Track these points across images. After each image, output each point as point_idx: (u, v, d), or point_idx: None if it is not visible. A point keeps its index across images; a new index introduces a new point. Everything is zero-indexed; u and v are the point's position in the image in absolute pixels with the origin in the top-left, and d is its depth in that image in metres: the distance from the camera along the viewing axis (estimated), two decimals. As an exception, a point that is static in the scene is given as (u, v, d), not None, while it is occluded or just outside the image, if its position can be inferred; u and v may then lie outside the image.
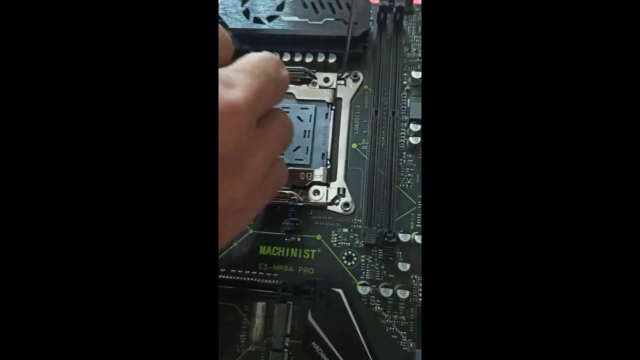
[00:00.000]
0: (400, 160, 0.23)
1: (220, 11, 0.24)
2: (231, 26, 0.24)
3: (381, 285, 0.21)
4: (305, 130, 0.23)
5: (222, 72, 0.14)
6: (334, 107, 0.24)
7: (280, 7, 0.24)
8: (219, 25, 0.15)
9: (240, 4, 0.24)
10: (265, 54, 0.17)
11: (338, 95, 0.24)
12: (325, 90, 0.24)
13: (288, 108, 0.24)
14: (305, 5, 0.24)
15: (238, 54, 0.25)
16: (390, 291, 0.21)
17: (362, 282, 0.21)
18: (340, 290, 0.20)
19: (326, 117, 0.24)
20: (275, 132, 0.17)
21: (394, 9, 0.25)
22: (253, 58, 0.16)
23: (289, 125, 0.19)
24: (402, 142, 0.23)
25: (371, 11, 0.25)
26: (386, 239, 0.21)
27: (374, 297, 0.21)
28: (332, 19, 0.24)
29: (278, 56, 0.17)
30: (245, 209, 0.17)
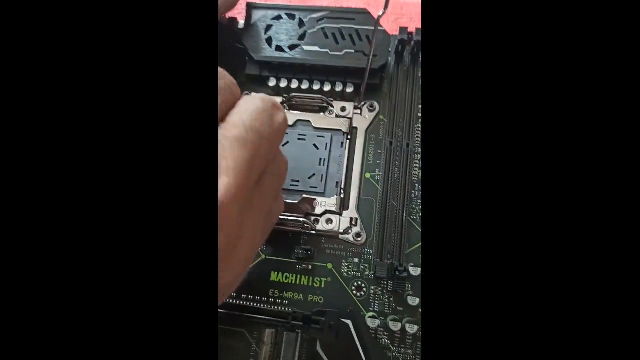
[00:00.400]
0: (413, 192, 0.23)
1: (244, 39, 0.25)
2: (253, 53, 0.25)
3: (390, 318, 0.21)
4: (320, 159, 0.24)
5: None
6: (349, 137, 0.24)
7: (302, 37, 0.25)
8: (224, 72, 0.15)
9: (263, 32, 0.25)
10: (258, 104, 0.15)
11: (354, 125, 0.25)
12: (341, 120, 0.25)
13: (305, 136, 0.24)
14: (326, 36, 0.25)
15: (258, 80, 0.26)
16: (399, 325, 0.21)
17: (371, 314, 0.21)
18: (349, 322, 0.21)
19: (341, 146, 0.24)
20: (271, 185, 0.17)
21: (412, 43, 0.25)
22: (246, 115, 0.15)
23: (284, 166, 0.18)
24: (415, 174, 0.24)
25: (390, 44, 0.25)
26: (397, 272, 0.21)
27: (382, 329, 0.21)
28: (352, 51, 0.24)
29: (273, 100, 0.16)
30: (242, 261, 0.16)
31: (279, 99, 0.25)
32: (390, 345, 0.21)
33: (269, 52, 0.25)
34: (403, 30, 0.25)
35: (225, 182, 0.13)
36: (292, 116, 0.25)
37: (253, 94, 0.17)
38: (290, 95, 0.25)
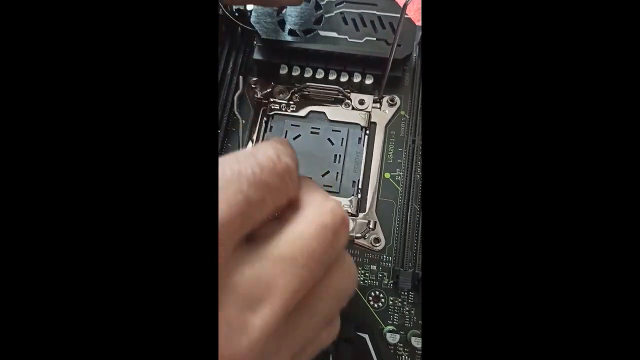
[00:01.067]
0: (436, 195, 0.21)
1: (252, 19, 0.23)
2: (264, 36, 0.23)
3: (411, 333, 0.19)
4: (336, 155, 0.22)
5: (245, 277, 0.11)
6: (367, 132, 0.22)
7: (318, 21, 0.23)
8: (284, 147, 0.13)
9: (275, 13, 0.23)
10: (326, 220, 0.12)
11: (372, 120, 0.23)
12: (359, 113, 0.23)
13: (318, 129, 0.22)
14: (345, 21, 0.23)
15: (267, 66, 0.24)
16: (422, 341, 0.19)
17: (390, 327, 0.19)
18: (366, 336, 0.19)
19: (359, 142, 0.22)
20: (323, 309, 0.13)
21: (437, 33, 0.23)
22: (308, 235, 0.12)
23: (349, 279, 0.14)
24: (439, 176, 0.22)
25: (415, 34, 0.23)
26: (419, 282, 0.19)
27: (402, 345, 0.19)
28: (373, 39, 0.22)
29: (343, 216, 0.13)
30: None
31: (290, 88, 0.23)
32: (409, 364, 0.19)
33: (281, 36, 0.23)
34: (429, 19, 0.23)
35: (264, 315, 0.11)
36: (305, 107, 0.23)
37: (321, 195, 0.13)
38: (303, 84, 0.23)
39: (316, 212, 0.13)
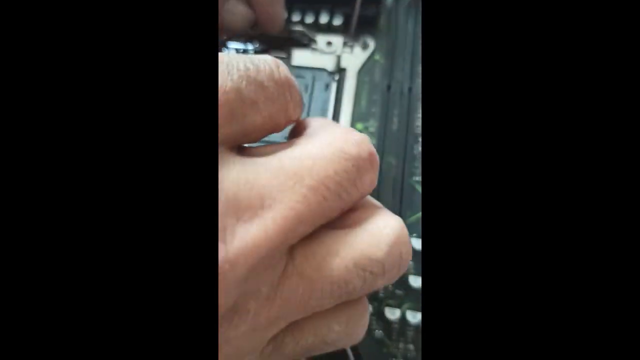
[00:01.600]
0: (415, 147, 0.18)
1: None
2: (215, -30, 0.19)
3: (385, 303, 0.16)
4: (299, 103, 0.19)
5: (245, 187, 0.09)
6: (337, 78, 0.19)
7: (277, -49, 0.20)
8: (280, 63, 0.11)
9: (228, -57, 0.20)
10: (351, 150, 0.10)
11: (342, 65, 0.20)
12: (326, 57, 0.20)
13: (280, 75, 0.19)
14: (309, -50, 0.20)
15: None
16: (397, 312, 0.16)
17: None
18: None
19: (326, 89, 0.19)
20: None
21: (416, -34, 0.20)
22: (325, 159, 0.10)
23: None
24: (419, 126, 0.19)
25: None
26: (396, 244, 0.16)
27: (375, 318, 0.16)
28: (342, -30, 0.19)
29: (371, 149, 0.11)
30: None
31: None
32: (386, 339, 0.16)
33: (237, -29, 0.20)
34: (405, -52, 0.20)
35: (251, 229, 0.09)
36: (265, 52, 0.20)
37: (346, 128, 0.11)
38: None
39: (336, 137, 0.10)
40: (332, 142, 0.10)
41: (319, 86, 0.19)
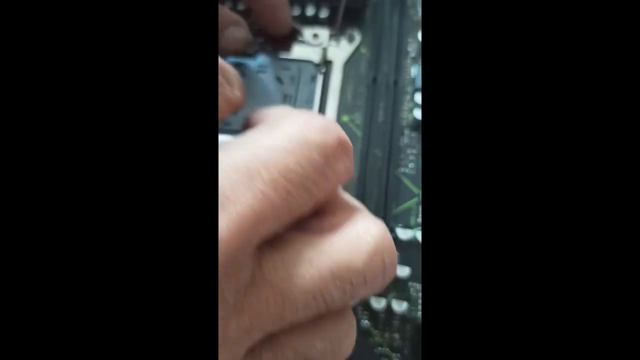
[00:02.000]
0: (401, 139, 0.19)
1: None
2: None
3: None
4: (285, 95, 0.19)
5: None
6: (323, 70, 0.19)
7: (263, -58, 0.20)
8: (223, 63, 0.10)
9: None
10: (316, 136, 0.09)
11: (329, 58, 0.20)
12: (313, 49, 0.20)
13: (265, 67, 0.19)
14: (294, -58, 0.20)
15: None
16: (383, 302, 0.16)
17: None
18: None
19: (312, 81, 0.19)
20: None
21: (402, -40, 0.20)
22: (283, 143, 0.09)
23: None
24: (404, 118, 0.19)
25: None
26: (382, 234, 0.16)
27: (361, 307, 0.16)
28: (328, -38, 0.19)
29: (340, 135, 0.10)
30: None
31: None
32: (372, 329, 0.16)
33: (222, -38, 0.19)
34: (391, -59, 0.20)
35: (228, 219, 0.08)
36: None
37: (311, 114, 0.10)
38: (249, 18, 0.20)
39: (297, 125, 0.10)
40: (292, 130, 0.09)
41: (304, 78, 0.19)
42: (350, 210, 0.11)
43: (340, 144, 0.10)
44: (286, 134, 0.09)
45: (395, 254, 0.10)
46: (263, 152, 0.09)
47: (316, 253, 0.09)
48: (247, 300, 0.09)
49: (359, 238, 0.10)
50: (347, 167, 0.10)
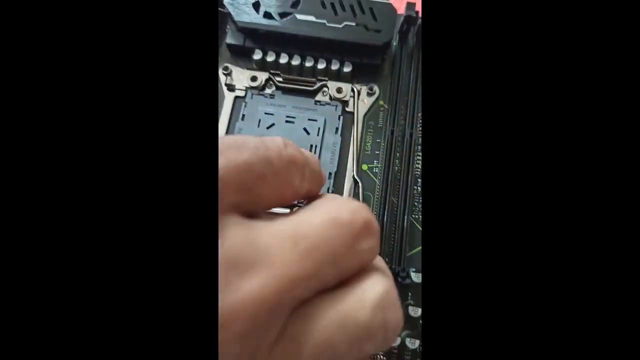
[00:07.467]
0: (415, 187, 0.21)
1: (226, 0, 0.21)
2: (237, 18, 0.21)
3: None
4: (311, 145, 0.21)
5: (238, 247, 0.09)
6: (341, 117, 0.21)
7: (295, 4, 0.22)
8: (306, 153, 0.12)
9: (250, -6, 0.22)
10: (344, 215, 0.10)
11: (350, 109, 0.22)
12: (336, 102, 0.22)
13: (294, 118, 0.21)
14: (324, 5, 0.21)
15: (240, 50, 0.22)
16: (398, 340, 0.18)
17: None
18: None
19: (336, 133, 0.21)
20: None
21: (418, 22, 0.22)
22: (319, 220, 0.10)
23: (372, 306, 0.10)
24: (418, 168, 0.21)
25: (395, 21, 0.22)
26: (399, 279, 0.18)
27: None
28: (353, 24, 0.21)
29: (368, 217, 0.11)
30: None
31: (264, 75, 0.22)
32: (387, 363, 0.18)
33: (255, 19, 0.21)
34: (410, 6, 0.22)
35: (254, 283, 0.09)
36: (280, 96, 0.22)
37: (344, 198, 0.12)
38: (279, 79, 0.22)
39: (332, 206, 0.11)
40: (329, 210, 0.11)
41: (329, 129, 0.21)
42: (367, 270, 0.11)
43: (367, 225, 0.11)
44: (325, 212, 0.11)
45: (399, 311, 0.11)
46: (305, 225, 0.10)
47: (328, 307, 0.10)
48: (273, 353, 0.10)
49: (364, 293, 0.10)
50: (372, 246, 0.11)
